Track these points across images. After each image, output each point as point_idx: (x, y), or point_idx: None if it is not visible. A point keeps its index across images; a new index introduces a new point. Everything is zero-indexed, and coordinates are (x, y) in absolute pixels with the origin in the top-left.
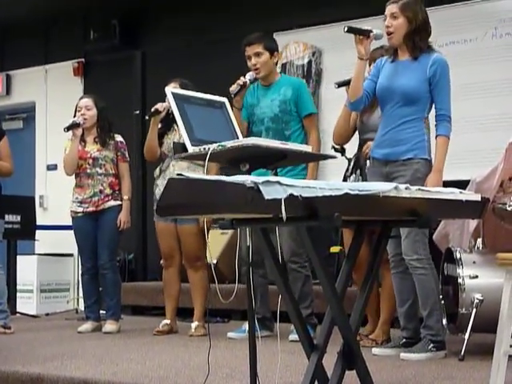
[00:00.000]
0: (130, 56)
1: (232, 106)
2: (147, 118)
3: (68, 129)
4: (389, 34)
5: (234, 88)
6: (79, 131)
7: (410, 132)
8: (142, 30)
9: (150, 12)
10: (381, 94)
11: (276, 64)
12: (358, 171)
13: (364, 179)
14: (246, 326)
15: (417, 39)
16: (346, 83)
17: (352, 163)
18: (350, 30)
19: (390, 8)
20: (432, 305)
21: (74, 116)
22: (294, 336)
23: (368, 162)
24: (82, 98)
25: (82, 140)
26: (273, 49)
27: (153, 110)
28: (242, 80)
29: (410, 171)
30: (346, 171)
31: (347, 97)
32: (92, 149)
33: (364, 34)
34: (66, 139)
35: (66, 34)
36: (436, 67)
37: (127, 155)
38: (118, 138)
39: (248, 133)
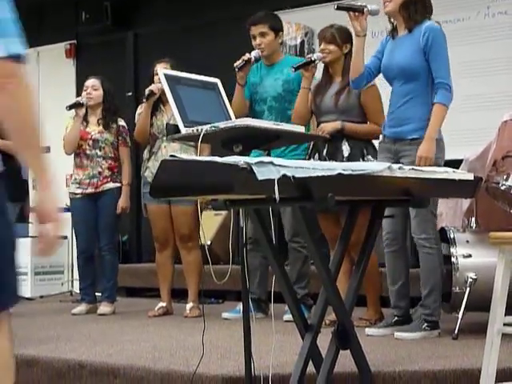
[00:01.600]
0: (122, 37)
1: (236, 81)
2: (144, 100)
3: (70, 107)
4: (384, 2)
5: (238, 63)
6: (82, 111)
7: (415, 110)
8: (134, 11)
9: None
10: (384, 73)
11: (281, 44)
12: (317, 155)
13: None
14: (240, 306)
15: (412, 10)
16: (301, 66)
17: (311, 146)
18: (340, 8)
19: None
20: (432, 285)
21: (78, 96)
22: (288, 316)
23: (326, 145)
24: (89, 78)
25: (85, 120)
26: (278, 29)
27: (148, 92)
28: (247, 56)
29: (414, 151)
30: (308, 153)
31: (303, 78)
32: (93, 130)
33: (357, 10)
34: (68, 118)
35: (57, 16)
36: (428, 35)
37: (128, 140)
38: (121, 122)
39: (250, 112)
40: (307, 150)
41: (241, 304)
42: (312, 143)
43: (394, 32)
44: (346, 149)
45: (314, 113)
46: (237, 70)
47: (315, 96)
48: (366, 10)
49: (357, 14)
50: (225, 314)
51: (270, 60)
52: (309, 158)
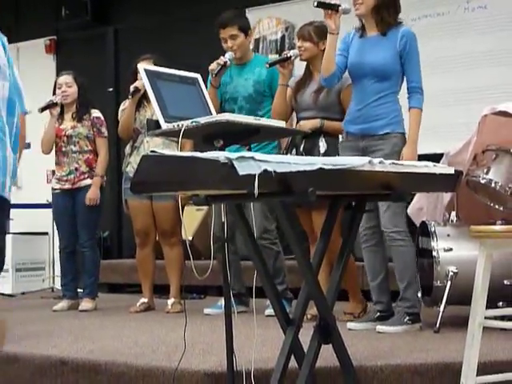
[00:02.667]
0: (102, 33)
1: (209, 83)
2: (130, 97)
3: (43, 109)
4: (355, 4)
5: (214, 67)
6: (57, 110)
7: (386, 107)
8: (114, 6)
9: None
10: (352, 71)
11: (249, 42)
12: (294, 150)
13: None
14: (222, 301)
15: (385, 14)
16: (276, 63)
17: (288, 142)
18: (320, 5)
19: None
20: (409, 278)
21: (54, 93)
22: (270, 311)
23: (303, 141)
24: (61, 75)
25: (61, 117)
26: (247, 28)
27: (133, 88)
28: (222, 60)
29: (388, 145)
30: (283, 149)
31: (280, 75)
32: (67, 126)
33: (332, 8)
34: (45, 117)
35: (37, 11)
36: (406, 40)
37: (104, 130)
38: (95, 113)
39: (220, 111)
40: (278, 147)
41: (222, 299)
42: (290, 138)
43: (362, 31)
44: (322, 145)
45: (294, 109)
46: (214, 75)
47: (296, 92)
48: (340, 8)
49: (330, 12)
50: (206, 310)
51: (241, 59)
52: (286, 153)
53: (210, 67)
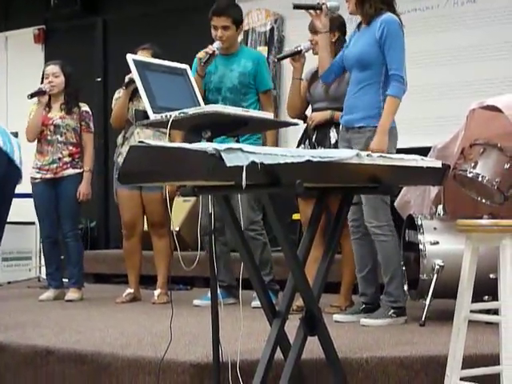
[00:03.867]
0: (91, 23)
1: (194, 72)
2: (124, 88)
3: (32, 96)
4: (346, 3)
5: (203, 56)
6: (45, 98)
7: (365, 99)
8: None
9: None
10: (345, 62)
11: (239, 35)
12: (307, 141)
13: (312, 148)
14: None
15: (366, 6)
16: (286, 56)
17: (302, 133)
18: (297, 7)
19: None
20: (393, 271)
21: (42, 83)
22: (256, 303)
23: (315, 132)
24: (48, 65)
25: (48, 106)
26: (240, 22)
27: (127, 79)
28: (210, 48)
29: (363, 139)
30: (299, 140)
31: (293, 69)
32: (55, 115)
33: (315, 8)
34: (32, 104)
35: (26, 0)
36: (383, 27)
37: (92, 126)
38: (84, 107)
39: (204, 100)
40: (260, 139)
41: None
42: (303, 130)
43: (360, 25)
44: (333, 136)
45: (308, 101)
46: (202, 63)
47: (310, 84)
48: (324, 7)
49: (317, 11)
50: (195, 301)
51: (227, 50)
52: (299, 145)
53: (198, 55)
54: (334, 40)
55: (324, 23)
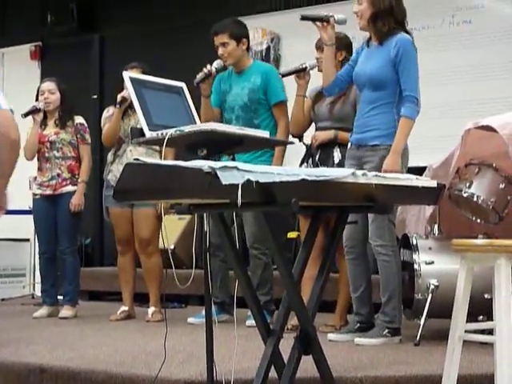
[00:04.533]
0: (87, 40)
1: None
2: (118, 106)
3: (26, 115)
4: (357, 18)
5: (199, 76)
6: (40, 116)
7: (379, 118)
8: (100, 13)
9: None
10: (355, 80)
11: (247, 50)
12: (310, 160)
13: (314, 167)
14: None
15: (379, 24)
16: (291, 73)
17: (305, 152)
18: (305, 18)
19: None
20: (391, 291)
21: (37, 100)
22: (251, 321)
23: (319, 151)
24: (44, 82)
25: (44, 123)
26: (240, 36)
27: (120, 98)
28: (207, 69)
29: (377, 157)
30: (302, 158)
31: (297, 86)
32: (50, 132)
33: (323, 19)
34: (28, 123)
35: (23, 17)
36: (398, 47)
37: (87, 137)
38: (79, 119)
39: (222, 119)
40: (273, 157)
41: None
42: (306, 149)
43: (369, 41)
44: (337, 155)
45: (312, 119)
46: (196, 84)
47: (314, 103)
48: (332, 19)
49: (324, 24)
50: (190, 319)
51: (238, 67)
52: (302, 163)
53: (197, 77)
54: (340, 59)
55: (330, 35)
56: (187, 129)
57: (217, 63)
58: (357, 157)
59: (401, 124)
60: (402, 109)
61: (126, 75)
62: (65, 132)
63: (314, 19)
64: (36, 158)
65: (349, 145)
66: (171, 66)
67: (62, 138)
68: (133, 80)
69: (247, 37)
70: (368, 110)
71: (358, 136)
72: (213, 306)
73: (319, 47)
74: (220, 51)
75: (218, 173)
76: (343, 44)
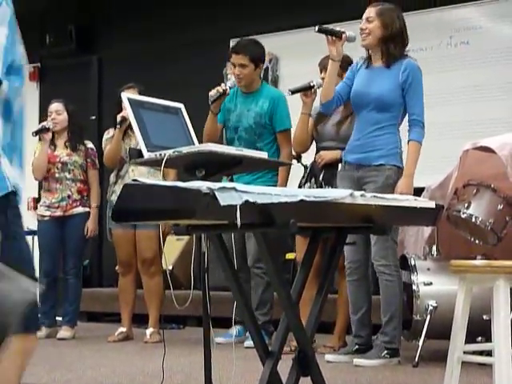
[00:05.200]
0: (86, 61)
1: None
2: (118, 127)
3: (36, 133)
4: (362, 34)
5: (213, 94)
6: (48, 135)
7: (384, 138)
8: (99, 35)
9: (107, 17)
10: (355, 100)
11: (259, 73)
12: (313, 179)
13: (318, 187)
14: (232, 330)
15: (391, 46)
16: (299, 90)
17: (307, 171)
18: (321, 31)
19: (368, 12)
20: (393, 311)
21: (41, 121)
22: (249, 342)
23: (323, 171)
24: (52, 103)
25: (52, 144)
26: (259, 61)
27: (120, 118)
28: (222, 87)
29: (381, 177)
30: (301, 178)
31: (302, 104)
32: (61, 153)
33: (336, 34)
34: (36, 143)
35: (21, 38)
36: (408, 72)
37: (97, 162)
38: (89, 144)
39: (222, 137)
40: (275, 177)
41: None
42: (309, 168)
43: (368, 61)
44: None
45: (314, 139)
46: (211, 102)
47: (317, 123)
48: (344, 35)
49: (334, 38)
50: (218, 339)
51: (248, 88)
52: (305, 183)
53: (210, 93)
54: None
55: (339, 51)
56: (185, 150)
57: (231, 82)
58: (355, 178)
59: (411, 148)
60: (411, 133)
61: (125, 96)
62: (77, 155)
63: (328, 32)
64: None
65: (340, 166)
66: (169, 87)
67: (75, 160)
68: (131, 101)
69: (264, 61)
70: (371, 130)
71: (360, 156)
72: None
73: (324, 67)
74: (236, 71)
75: (217, 194)
76: (346, 64)
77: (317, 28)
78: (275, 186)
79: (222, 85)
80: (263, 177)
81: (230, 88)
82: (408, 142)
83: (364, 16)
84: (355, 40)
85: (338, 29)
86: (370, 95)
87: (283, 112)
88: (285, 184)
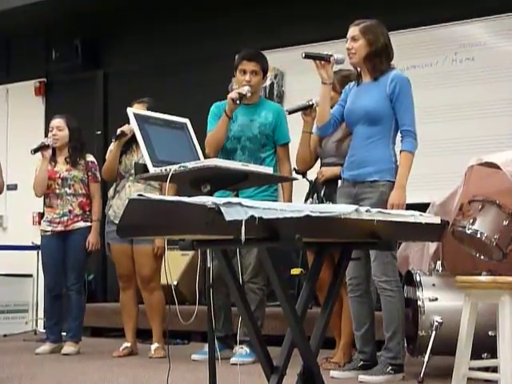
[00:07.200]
0: (92, 76)
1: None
2: (114, 140)
3: (35, 151)
4: (349, 54)
5: (236, 96)
6: (48, 152)
7: (377, 153)
8: (105, 50)
9: (113, 32)
10: (347, 117)
11: (262, 85)
12: (315, 195)
13: (320, 203)
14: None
15: (377, 61)
16: (298, 110)
17: (310, 188)
18: (308, 56)
19: (352, 31)
20: (395, 328)
21: (46, 135)
22: (236, 359)
23: (324, 186)
24: (54, 118)
25: (53, 160)
26: (265, 71)
27: (119, 132)
28: (243, 89)
29: (376, 193)
30: (307, 194)
31: (303, 122)
32: (61, 169)
33: (323, 59)
34: (33, 159)
35: (27, 53)
36: (395, 83)
37: (98, 175)
38: (90, 157)
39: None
40: (276, 192)
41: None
42: (311, 185)
43: (358, 78)
44: None
45: (318, 155)
46: (238, 102)
47: (321, 139)
48: (332, 58)
49: (323, 62)
50: (194, 356)
51: (251, 98)
52: (307, 199)
53: (232, 96)
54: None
55: (330, 75)
56: (191, 165)
57: (247, 89)
58: (352, 194)
59: (403, 159)
60: (403, 144)
61: (130, 111)
62: (76, 169)
63: (315, 58)
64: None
65: (340, 182)
66: (175, 101)
67: (75, 174)
68: (137, 116)
69: (267, 74)
70: (364, 145)
71: (355, 172)
72: (216, 341)
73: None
74: (247, 77)
75: (222, 209)
76: (347, 81)
77: (304, 54)
78: (276, 200)
79: (242, 88)
80: (265, 191)
81: (248, 92)
82: (400, 152)
83: (348, 35)
84: (344, 62)
85: (325, 52)
86: (359, 109)
87: (285, 126)
88: (290, 199)
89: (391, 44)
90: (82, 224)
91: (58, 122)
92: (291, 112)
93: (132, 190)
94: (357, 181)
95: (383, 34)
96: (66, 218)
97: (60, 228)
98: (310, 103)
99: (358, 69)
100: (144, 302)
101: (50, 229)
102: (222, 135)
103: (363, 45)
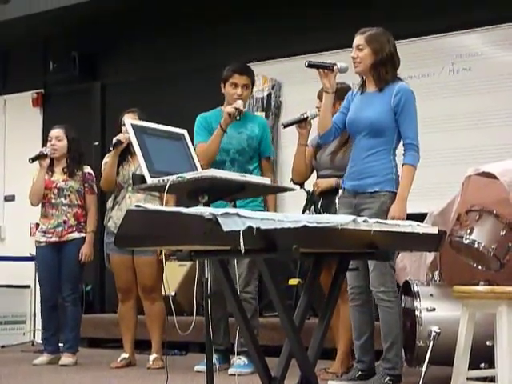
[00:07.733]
0: (89, 87)
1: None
2: (111, 148)
3: (33, 160)
4: (354, 63)
5: (233, 111)
6: (46, 161)
7: (378, 164)
8: (102, 61)
9: (110, 43)
10: (349, 127)
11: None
12: (312, 207)
13: (317, 214)
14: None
15: (382, 71)
16: (293, 123)
17: (307, 199)
18: (311, 65)
19: (357, 39)
20: (393, 338)
21: (44, 146)
22: (199, 367)
23: (321, 198)
24: (53, 128)
25: (51, 170)
26: (253, 84)
27: (115, 141)
28: (239, 104)
29: (377, 204)
30: (304, 205)
31: (298, 135)
32: (58, 179)
33: (327, 67)
34: (35, 170)
35: (25, 64)
36: (400, 96)
37: (95, 187)
38: (87, 169)
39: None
40: (263, 202)
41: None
42: (308, 195)
43: (362, 87)
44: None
45: (314, 167)
46: (237, 117)
47: (316, 151)
48: (335, 67)
49: (326, 71)
50: (197, 367)
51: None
52: (304, 210)
53: (229, 111)
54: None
55: (332, 84)
56: (188, 175)
57: (240, 102)
58: (353, 204)
59: (405, 172)
60: (405, 157)
61: (128, 122)
62: (73, 180)
63: (318, 66)
64: (40, 205)
65: (340, 191)
66: (172, 113)
67: (71, 185)
68: (134, 127)
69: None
70: (365, 156)
71: (355, 183)
72: (215, 354)
73: (319, 96)
74: (239, 91)
75: (220, 219)
76: (344, 95)
77: (307, 63)
78: (263, 210)
79: (238, 102)
80: (254, 201)
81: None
82: (402, 165)
83: (354, 44)
84: (347, 70)
85: (329, 61)
86: (362, 120)
87: (270, 138)
88: (275, 211)
89: (397, 52)
90: (76, 235)
91: (57, 132)
92: (286, 126)
93: (132, 200)
94: (357, 191)
95: (389, 43)
96: (60, 229)
97: (54, 239)
98: (305, 116)
99: (363, 76)
100: (144, 313)
101: (44, 239)
102: (215, 149)
103: (368, 54)
